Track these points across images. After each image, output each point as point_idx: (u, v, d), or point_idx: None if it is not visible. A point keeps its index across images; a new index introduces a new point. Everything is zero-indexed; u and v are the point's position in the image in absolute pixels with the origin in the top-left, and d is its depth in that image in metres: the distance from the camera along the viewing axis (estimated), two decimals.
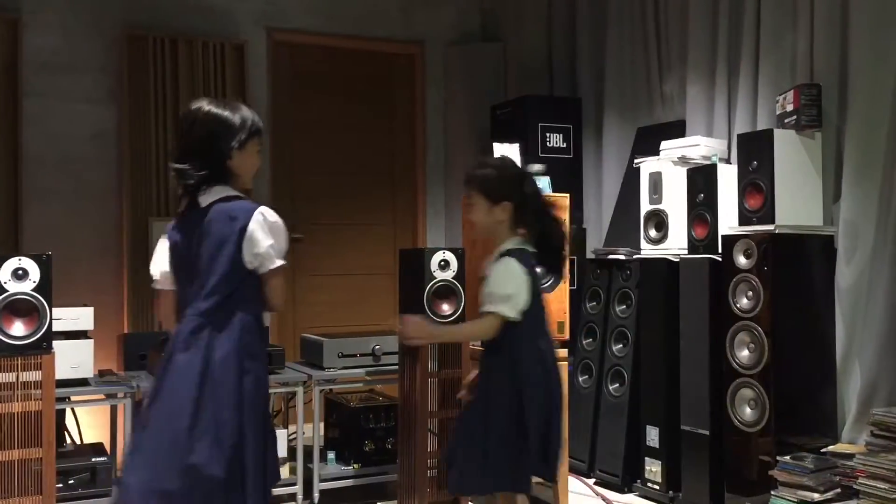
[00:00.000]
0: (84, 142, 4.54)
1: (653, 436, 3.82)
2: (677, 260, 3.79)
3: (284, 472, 3.77)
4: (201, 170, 2.28)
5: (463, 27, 5.65)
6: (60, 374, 3.26)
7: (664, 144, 4.04)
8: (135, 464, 2.24)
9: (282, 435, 3.81)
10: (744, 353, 3.40)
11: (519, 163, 3.70)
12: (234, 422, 2.20)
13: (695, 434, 3.61)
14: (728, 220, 3.62)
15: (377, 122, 5.45)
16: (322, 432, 4.04)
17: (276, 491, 3.71)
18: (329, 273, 5.24)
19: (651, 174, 4.00)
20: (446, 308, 3.47)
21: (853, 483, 3.07)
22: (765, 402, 3.30)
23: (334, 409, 4.15)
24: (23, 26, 4.37)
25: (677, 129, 4.26)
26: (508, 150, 3.74)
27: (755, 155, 3.49)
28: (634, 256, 4.08)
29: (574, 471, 4.04)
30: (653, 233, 3.99)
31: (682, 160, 3.90)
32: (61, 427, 3.75)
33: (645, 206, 4.02)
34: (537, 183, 2.70)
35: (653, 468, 3.82)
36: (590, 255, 4.45)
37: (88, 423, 4.10)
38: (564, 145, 4.90)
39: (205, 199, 2.29)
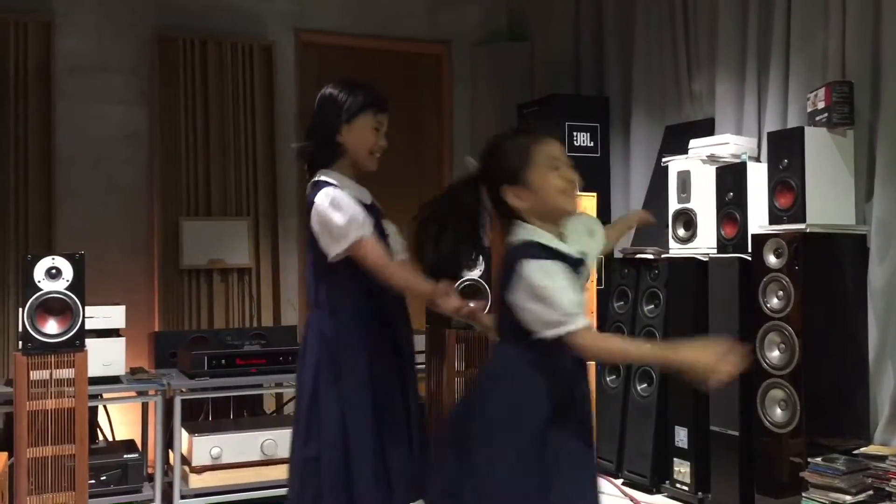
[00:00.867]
0: (116, 143, 4.60)
1: (681, 436, 3.80)
2: (706, 259, 3.76)
3: None
4: (313, 148, 2.37)
5: (489, 26, 5.64)
6: (93, 371, 3.31)
7: (693, 143, 4.01)
8: None
9: None
10: (774, 354, 3.36)
11: None
12: None
13: (724, 435, 3.58)
14: (758, 220, 3.58)
15: (404, 122, 5.46)
16: None
17: None
18: None
19: (679, 173, 3.97)
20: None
21: (885, 485, 3.03)
22: (795, 403, 3.26)
23: None
24: (55, 29, 4.43)
25: (706, 128, 4.22)
26: None
27: (786, 153, 3.45)
28: (662, 256, 4.06)
29: (602, 471, 4.03)
30: (681, 232, 3.96)
31: (711, 159, 3.86)
32: (94, 424, 3.80)
33: (673, 205, 4.00)
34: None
35: (681, 469, 3.79)
36: (617, 255, 4.43)
37: (120, 420, 4.15)
38: (592, 144, 4.88)
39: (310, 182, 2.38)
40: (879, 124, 3.40)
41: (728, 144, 3.86)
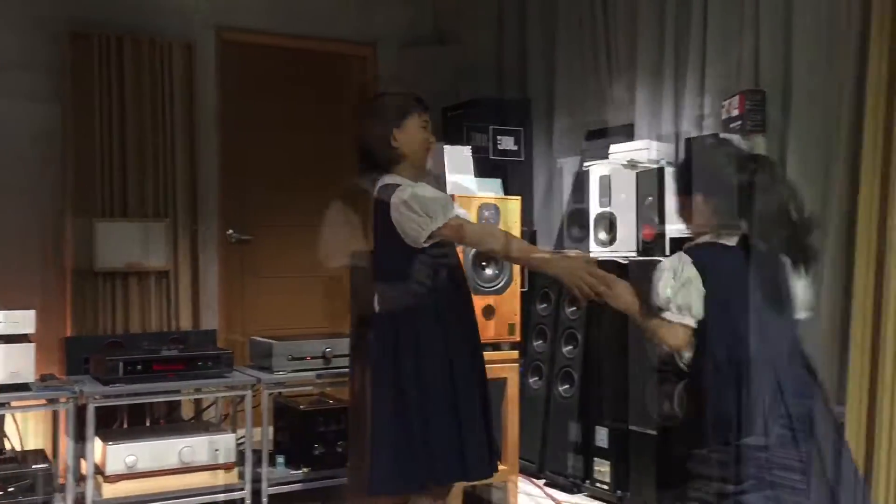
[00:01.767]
0: (26, 141, 4.42)
1: (602, 436, 3.86)
2: (626, 262, 3.84)
3: (232, 477, 3.73)
4: (365, 163, 2.61)
5: (416, 29, 5.64)
6: (0, 378, 3.19)
7: (613, 148, 4.09)
8: None
9: (230, 439, 3.77)
10: (689, 354, 3.43)
11: (471, 166, 3.73)
12: None
13: (643, 434, 3.65)
14: (676, 223, 3.66)
15: (328, 123, 5.41)
16: (271, 436, 4.00)
17: (224, 497, 3.68)
18: (279, 275, 5.19)
19: (601, 177, 4.04)
20: None
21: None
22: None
23: (284, 413, 4.11)
24: None
25: (626, 132, 4.30)
26: (460, 154, 3.75)
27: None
28: None
29: (524, 472, 4.06)
30: (602, 235, 4.03)
31: (631, 163, 3.94)
32: (1, 434, 3.66)
33: (595, 209, 4.06)
34: None
35: (601, 468, 3.85)
36: None
37: (30, 430, 4.01)
38: (516, 148, 4.92)
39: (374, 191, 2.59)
40: (790, 131, 3.52)
41: (648, 150, 3.94)
